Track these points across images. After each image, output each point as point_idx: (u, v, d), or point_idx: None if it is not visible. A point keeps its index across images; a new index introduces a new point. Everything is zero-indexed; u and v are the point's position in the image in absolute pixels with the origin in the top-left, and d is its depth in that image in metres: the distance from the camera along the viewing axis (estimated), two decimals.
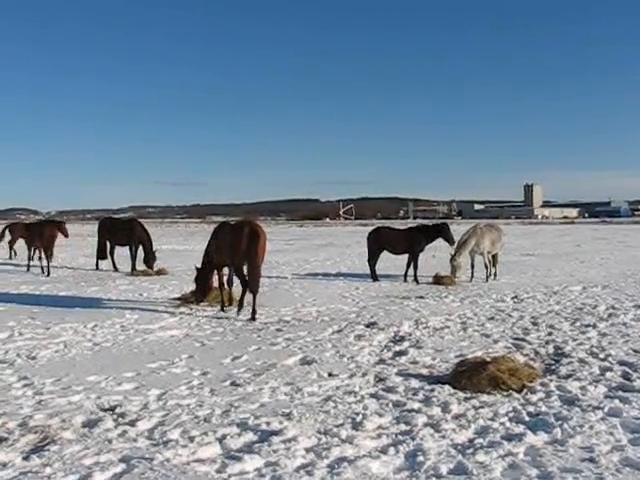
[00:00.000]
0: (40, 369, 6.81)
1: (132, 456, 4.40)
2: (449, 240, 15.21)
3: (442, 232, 15.30)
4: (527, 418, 5.22)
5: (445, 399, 5.69)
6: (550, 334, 8.69)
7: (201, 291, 11.15)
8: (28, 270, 18.22)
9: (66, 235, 19.36)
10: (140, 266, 17.37)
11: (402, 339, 8.45)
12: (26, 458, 4.39)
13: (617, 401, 5.59)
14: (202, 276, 11.09)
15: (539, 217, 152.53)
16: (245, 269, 10.16)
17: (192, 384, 6.24)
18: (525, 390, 5.93)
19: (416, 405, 5.55)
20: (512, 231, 46.43)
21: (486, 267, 15.51)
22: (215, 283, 11.30)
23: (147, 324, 9.44)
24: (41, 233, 18.08)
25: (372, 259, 15.74)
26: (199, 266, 11.19)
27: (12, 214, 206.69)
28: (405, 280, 15.20)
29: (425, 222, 16.00)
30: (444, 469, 4.23)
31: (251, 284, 10.03)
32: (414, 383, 6.26)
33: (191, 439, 4.73)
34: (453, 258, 14.94)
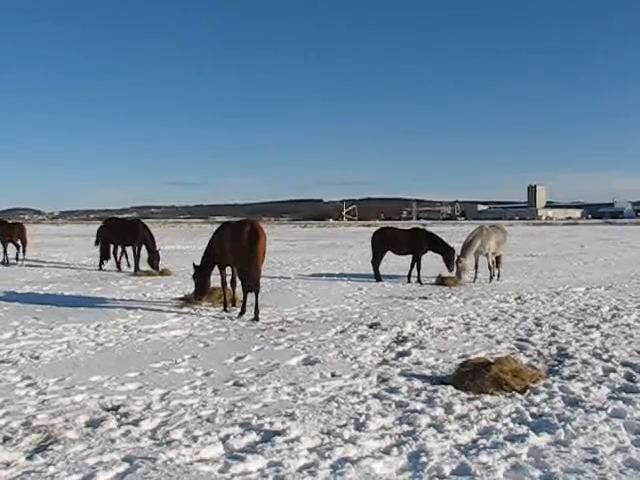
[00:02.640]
0: (43, 369, 6.83)
1: (135, 456, 4.40)
2: (448, 266, 14.93)
3: (445, 254, 15.04)
4: (530, 419, 5.21)
5: (448, 400, 5.69)
6: (553, 335, 8.67)
7: (200, 289, 11.18)
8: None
9: None
10: (144, 266, 17.40)
11: (405, 340, 8.45)
12: (30, 457, 4.41)
13: (620, 402, 5.58)
14: (201, 275, 11.12)
15: (543, 218, 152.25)
16: (246, 268, 10.17)
17: (195, 384, 6.25)
18: (528, 391, 5.93)
19: (419, 406, 5.55)
20: (515, 232, 46.39)
21: (490, 268, 15.50)
22: (218, 283, 11.32)
23: (150, 324, 9.46)
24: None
25: (376, 259, 15.74)
26: (198, 264, 11.21)
27: (15, 214, 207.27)
28: (408, 281, 15.19)
29: (439, 235, 15.66)
30: (447, 470, 4.22)
31: (252, 283, 10.04)
32: (417, 384, 6.26)
33: (194, 439, 4.74)
34: (459, 259, 14.88)
